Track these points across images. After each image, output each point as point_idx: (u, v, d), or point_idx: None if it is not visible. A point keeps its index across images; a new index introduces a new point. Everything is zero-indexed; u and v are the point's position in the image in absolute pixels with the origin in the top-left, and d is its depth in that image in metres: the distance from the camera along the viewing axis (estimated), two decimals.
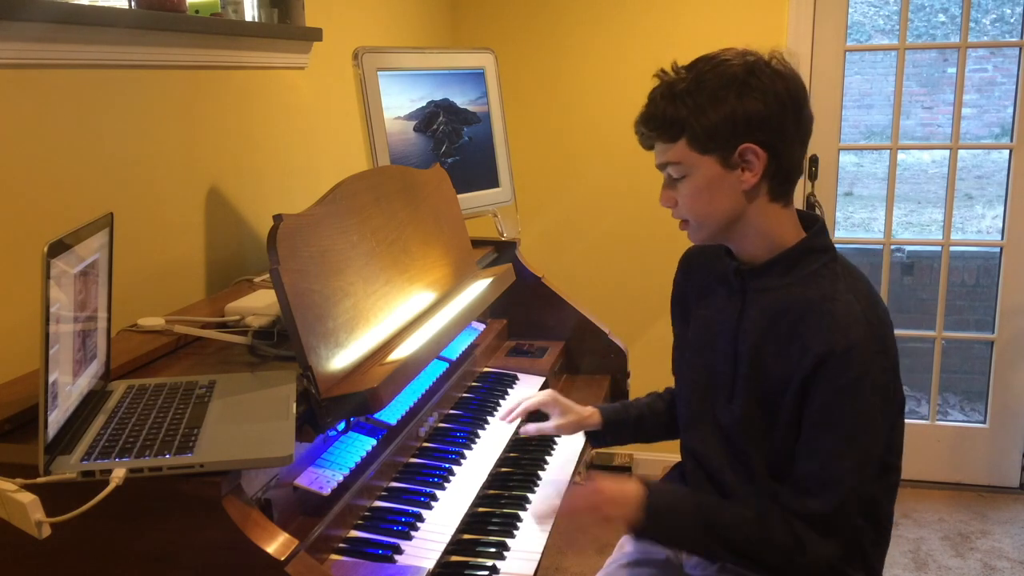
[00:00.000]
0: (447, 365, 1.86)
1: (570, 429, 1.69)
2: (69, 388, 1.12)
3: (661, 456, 3.26)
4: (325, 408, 1.28)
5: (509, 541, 1.46)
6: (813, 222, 1.41)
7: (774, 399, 1.36)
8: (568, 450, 1.81)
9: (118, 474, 1.03)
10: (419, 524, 1.42)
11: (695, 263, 1.56)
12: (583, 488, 1.44)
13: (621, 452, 3.48)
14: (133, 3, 1.75)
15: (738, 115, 1.27)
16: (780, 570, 1.35)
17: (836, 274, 1.35)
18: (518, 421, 1.75)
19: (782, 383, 1.35)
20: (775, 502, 1.35)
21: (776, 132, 1.29)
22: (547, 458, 1.76)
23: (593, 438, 1.74)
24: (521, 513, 1.55)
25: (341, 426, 1.44)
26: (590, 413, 1.69)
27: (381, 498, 1.48)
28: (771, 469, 1.39)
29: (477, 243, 2.17)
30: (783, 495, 1.34)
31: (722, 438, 1.45)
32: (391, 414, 1.58)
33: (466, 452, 1.67)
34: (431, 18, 3.21)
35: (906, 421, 1.46)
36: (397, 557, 1.33)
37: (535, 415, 1.73)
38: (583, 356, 2.27)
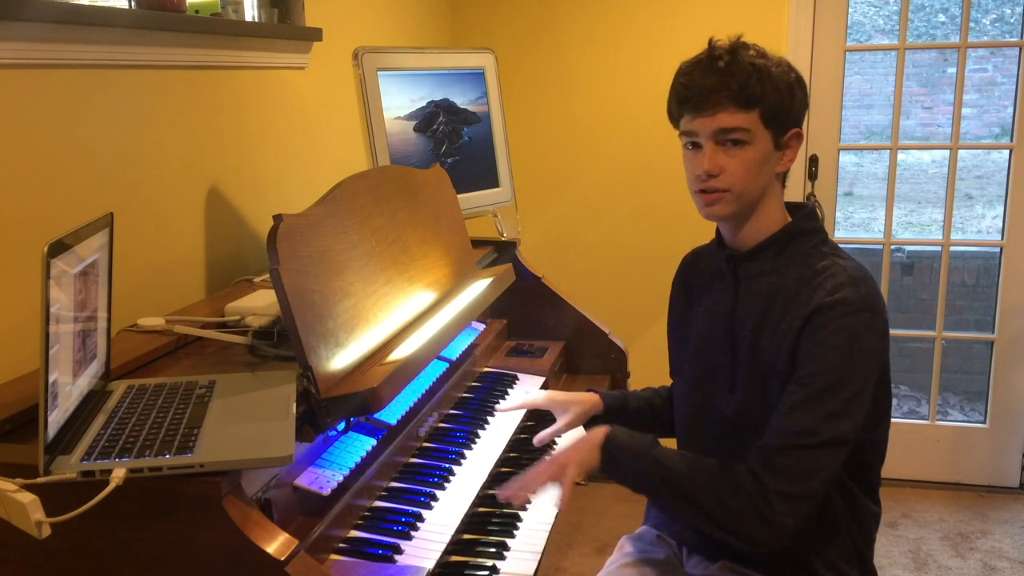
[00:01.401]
0: (447, 365, 1.86)
1: (578, 422, 1.68)
2: (69, 388, 1.12)
3: None
4: (325, 408, 1.28)
5: (509, 541, 1.46)
6: (800, 208, 1.45)
7: (770, 380, 1.38)
8: None
9: (118, 474, 1.03)
10: (419, 524, 1.42)
11: (699, 264, 1.59)
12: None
13: None
14: (133, 3, 1.75)
15: (803, 106, 1.41)
16: (742, 528, 1.30)
17: (824, 254, 1.41)
18: (518, 424, 1.75)
19: (773, 358, 1.37)
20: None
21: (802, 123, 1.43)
22: (547, 458, 1.75)
23: (591, 425, 1.68)
24: (521, 513, 1.55)
25: (341, 426, 1.44)
26: (594, 402, 1.68)
27: (381, 498, 1.48)
28: None
29: (477, 243, 2.17)
30: (751, 453, 1.33)
31: (725, 432, 1.46)
32: (391, 414, 1.58)
33: (466, 452, 1.67)
34: (431, 18, 3.21)
35: (906, 421, 1.47)
36: (397, 557, 1.33)
37: (538, 418, 1.73)
38: (583, 356, 2.27)
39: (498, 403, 1.89)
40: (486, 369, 2.08)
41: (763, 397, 1.40)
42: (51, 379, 1.04)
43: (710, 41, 1.39)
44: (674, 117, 1.42)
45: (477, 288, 1.83)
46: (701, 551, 1.53)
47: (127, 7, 1.75)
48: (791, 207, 1.46)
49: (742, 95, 1.33)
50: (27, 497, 0.98)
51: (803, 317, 1.34)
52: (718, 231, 1.50)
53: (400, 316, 1.59)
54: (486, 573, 1.37)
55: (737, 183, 1.36)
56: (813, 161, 3.17)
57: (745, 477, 1.30)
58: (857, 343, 1.30)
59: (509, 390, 1.98)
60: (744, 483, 1.30)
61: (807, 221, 1.44)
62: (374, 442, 1.49)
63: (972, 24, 3.31)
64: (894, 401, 4.66)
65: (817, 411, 1.29)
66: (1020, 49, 3.15)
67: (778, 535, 1.28)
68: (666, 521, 1.60)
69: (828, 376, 1.30)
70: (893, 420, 1.48)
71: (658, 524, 1.64)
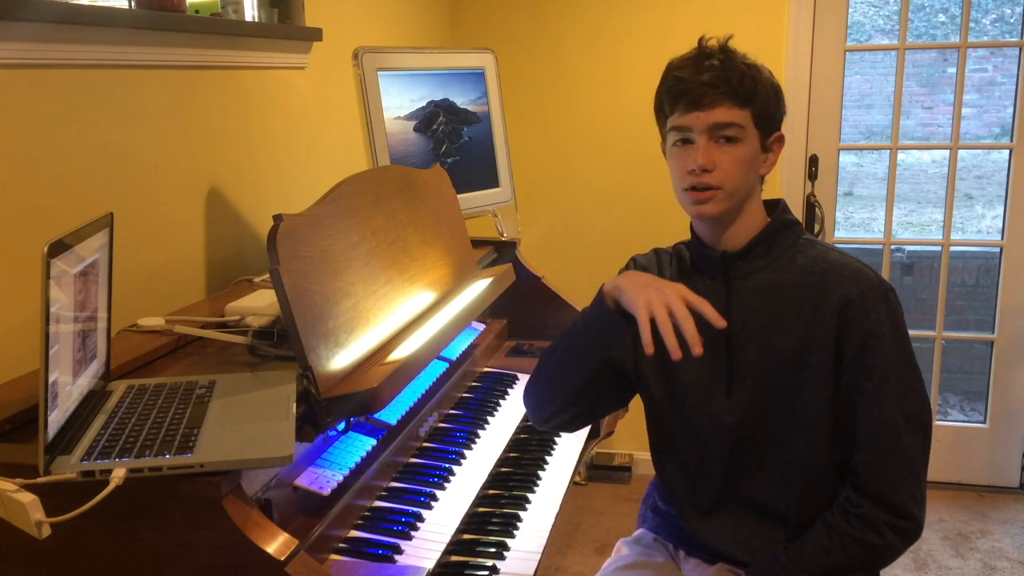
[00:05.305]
0: (447, 365, 1.86)
1: None
2: (69, 388, 1.12)
3: None
4: (325, 408, 1.28)
5: (509, 541, 1.46)
6: (776, 203, 1.48)
7: (789, 377, 1.38)
8: (568, 450, 1.81)
9: (118, 474, 1.03)
10: (419, 524, 1.42)
11: (660, 268, 1.54)
12: None
13: (621, 452, 3.47)
14: (133, 3, 1.75)
15: (784, 112, 1.45)
16: (895, 554, 1.37)
17: (812, 241, 1.45)
18: (518, 424, 1.75)
19: (798, 355, 1.38)
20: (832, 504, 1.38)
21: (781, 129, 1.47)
22: (547, 458, 1.76)
23: None
24: (521, 513, 1.55)
25: (341, 426, 1.44)
26: None
27: (381, 498, 1.48)
28: (785, 458, 1.40)
29: (477, 243, 2.17)
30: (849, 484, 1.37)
31: (726, 438, 1.43)
32: (391, 414, 1.58)
33: (466, 452, 1.67)
34: (431, 18, 3.21)
35: None
36: (397, 557, 1.33)
37: None
38: None
39: (499, 404, 1.89)
40: (486, 369, 2.08)
41: (773, 397, 1.39)
42: (51, 379, 1.04)
43: (700, 40, 1.40)
44: (664, 113, 1.42)
45: (477, 288, 1.83)
46: (698, 554, 1.52)
47: (127, 7, 1.75)
48: (766, 204, 1.48)
49: (740, 92, 1.35)
50: (27, 497, 0.98)
51: (832, 311, 1.36)
52: (694, 234, 1.48)
53: (400, 316, 1.59)
54: (486, 573, 1.37)
55: (729, 180, 1.36)
56: (813, 161, 3.17)
57: (866, 510, 1.34)
58: (899, 327, 1.38)
59: (509, 390, 1.98)
60: (867, 514, 1.34)
61: (786, 214, 1.46)
62: (374, 442, 1.49)
63: (972, 24, 3.31)
64: None
65: (897, 407, 1.34)
66: (1020, 49, 3.15)
67: (918, 529, 1.36)
68: (662, 523, 1.60)
69: (894, 368, 1.35)
70: None
71: (655, 527, 1.62)
